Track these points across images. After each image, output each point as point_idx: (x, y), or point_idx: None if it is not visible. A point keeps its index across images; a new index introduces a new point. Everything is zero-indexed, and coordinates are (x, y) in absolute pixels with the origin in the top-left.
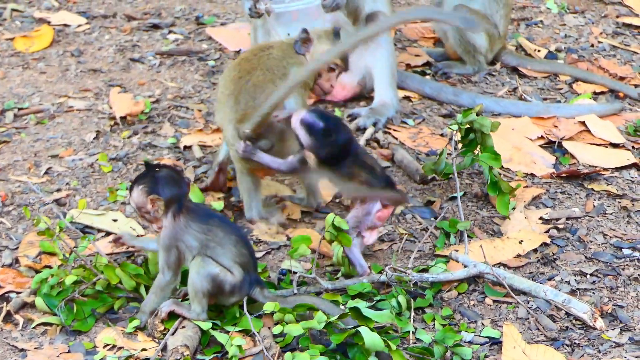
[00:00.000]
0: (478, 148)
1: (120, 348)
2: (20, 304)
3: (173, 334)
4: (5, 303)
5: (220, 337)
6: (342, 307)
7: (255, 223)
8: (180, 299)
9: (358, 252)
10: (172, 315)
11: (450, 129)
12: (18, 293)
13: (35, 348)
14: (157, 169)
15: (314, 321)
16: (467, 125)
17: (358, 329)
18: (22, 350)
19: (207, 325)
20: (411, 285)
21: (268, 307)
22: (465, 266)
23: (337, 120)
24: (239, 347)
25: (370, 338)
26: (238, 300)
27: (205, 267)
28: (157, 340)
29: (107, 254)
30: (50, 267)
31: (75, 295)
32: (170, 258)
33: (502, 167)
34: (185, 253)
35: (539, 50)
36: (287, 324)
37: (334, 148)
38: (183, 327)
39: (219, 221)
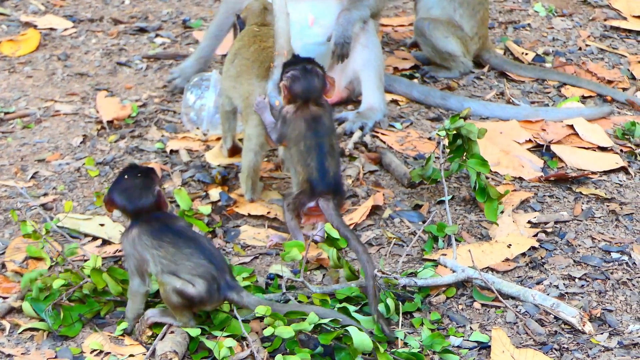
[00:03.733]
0: (465, 155)
1: (108, 353)
2: (7, 309)
3: (162, 338)
4: None
5: (209, 343)
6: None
7: (254, 202)
8: None
9: (296, 226)
10: (158, 323)
11: (438, 134)
12: (5, 298)
13: (22, 353)
14: (126, 175)
15: (305, 323)
16: (455, 131)
17: (347, 328)
18: (8, 355)
19: (195, 332)
20: (399, 289)
21: (260, 310)
22: (454, 271)
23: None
24: (230, 349)
25: (359, 338)
26: (216, 306)
27: (169, 284)
28: (145, 345)
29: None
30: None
31: (62, 300)
32: (130, 264)
33: (490, 171)
34: (143, 263)
35: (526, 54)
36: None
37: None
38: (172, 332)
39: (172, 236)
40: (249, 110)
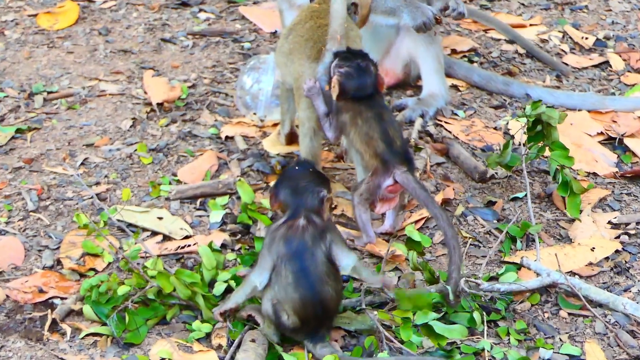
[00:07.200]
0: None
1: None
2: (66, 312)
3: (238, 347)
4: (49, 310)
5: (287, 357)
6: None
7: None
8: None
9: (367, 220)
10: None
11: (518, 120)
12: (63, 299)
13: None
14: (298, 168)
15: None
16: (534, 117)
17: None
18: None
19: (279, 349)
20: (484, 301)
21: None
22: (538, 274)
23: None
24: None
25: None
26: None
27: (271, 296)
28: (218, 354)
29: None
30: (95, 269)
31: (127, 305)
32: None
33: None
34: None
35: (586, 38)
36: None
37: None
38: (252, 340)
39: (298, 265)
40: (300, 92)
